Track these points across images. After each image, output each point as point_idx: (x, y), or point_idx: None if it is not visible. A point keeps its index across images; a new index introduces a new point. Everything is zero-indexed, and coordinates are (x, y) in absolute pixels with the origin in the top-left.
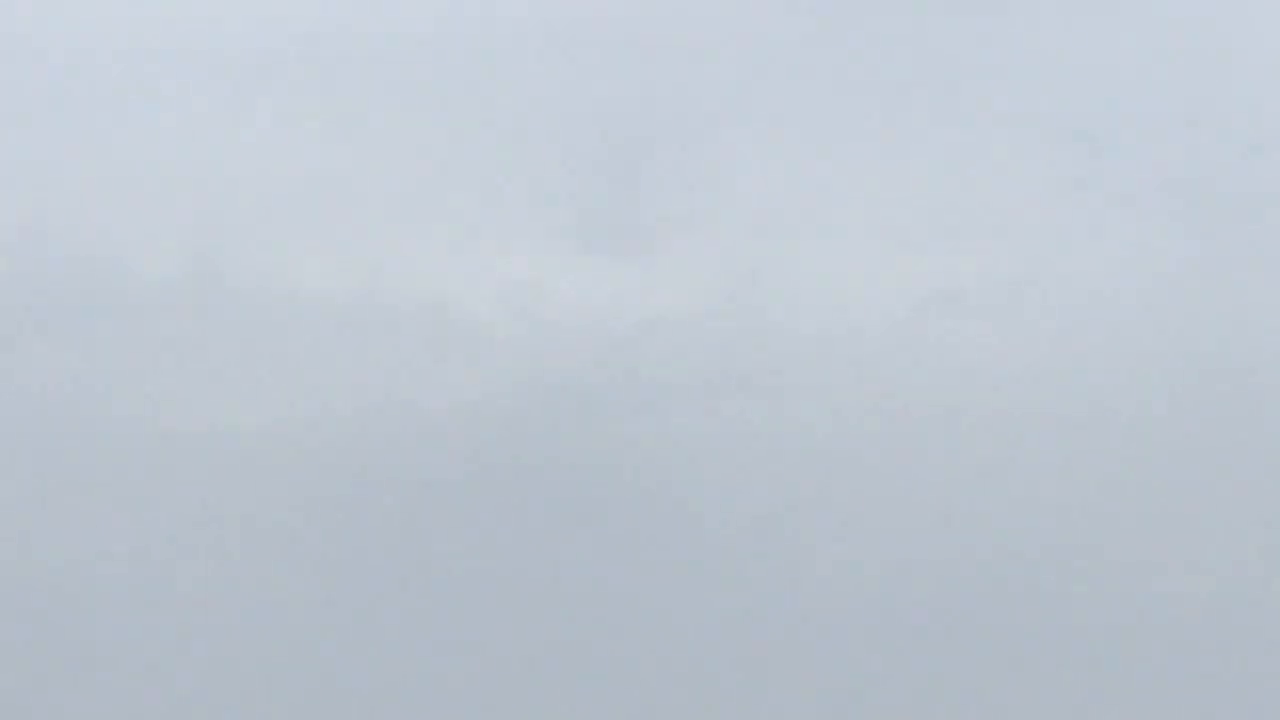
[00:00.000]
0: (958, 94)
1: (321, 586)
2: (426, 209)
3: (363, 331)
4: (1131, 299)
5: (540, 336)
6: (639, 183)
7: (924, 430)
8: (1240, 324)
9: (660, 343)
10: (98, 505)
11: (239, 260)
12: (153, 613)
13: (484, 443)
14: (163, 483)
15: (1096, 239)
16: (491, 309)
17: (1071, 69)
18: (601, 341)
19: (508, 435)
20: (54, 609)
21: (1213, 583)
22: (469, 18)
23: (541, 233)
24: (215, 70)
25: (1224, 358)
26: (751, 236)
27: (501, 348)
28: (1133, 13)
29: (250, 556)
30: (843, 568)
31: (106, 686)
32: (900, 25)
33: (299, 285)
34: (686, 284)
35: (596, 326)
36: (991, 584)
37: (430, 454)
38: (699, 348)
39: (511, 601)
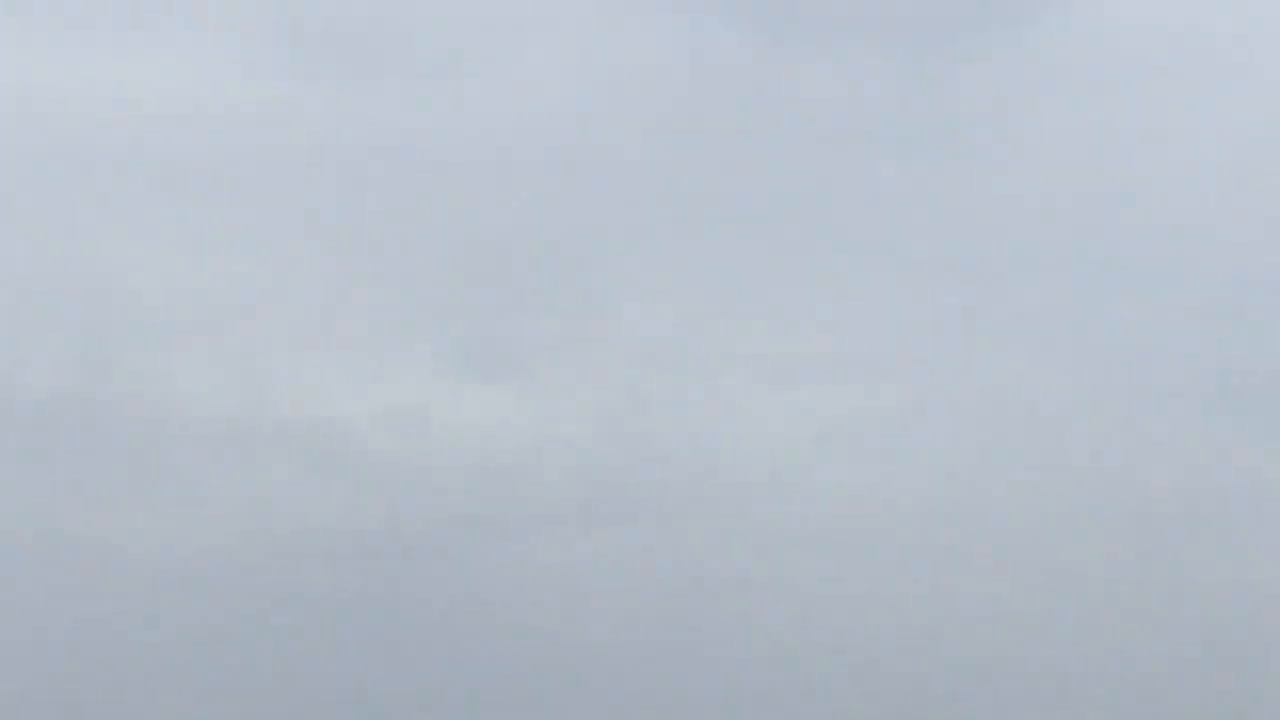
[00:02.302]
0: (844, 228)
1: (196, 703)
2: (315, 330)
3: (247, 450)
4: (1015, 429)
5: (424, 460)
6: (525, 309)
7: (807, 560)
8: (1124, 453)
9: (543, 468)
10: None
11: (124, 374)
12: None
13: (366, 564)
14: (35, 593)
15: (981, 370)
16: (377, 431)
17: (957, 203)
18: (485, 466)
19: (390, 557)
20: None
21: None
22: (359, 139)
23: (428, 357)
24: (111, 180)
25: (1109, 488)
26: (636, 364)
27: (385, 470)
28: (1018, 148)
29: (122, 673)
30: (713, 692)
31: None
32: (788, 159)
33: (184, 401)
34: (570, 410)
35: (480, 450)
36: (870, 702)
37: (311, 574)
38: (582, 474)
39: (391, 715)
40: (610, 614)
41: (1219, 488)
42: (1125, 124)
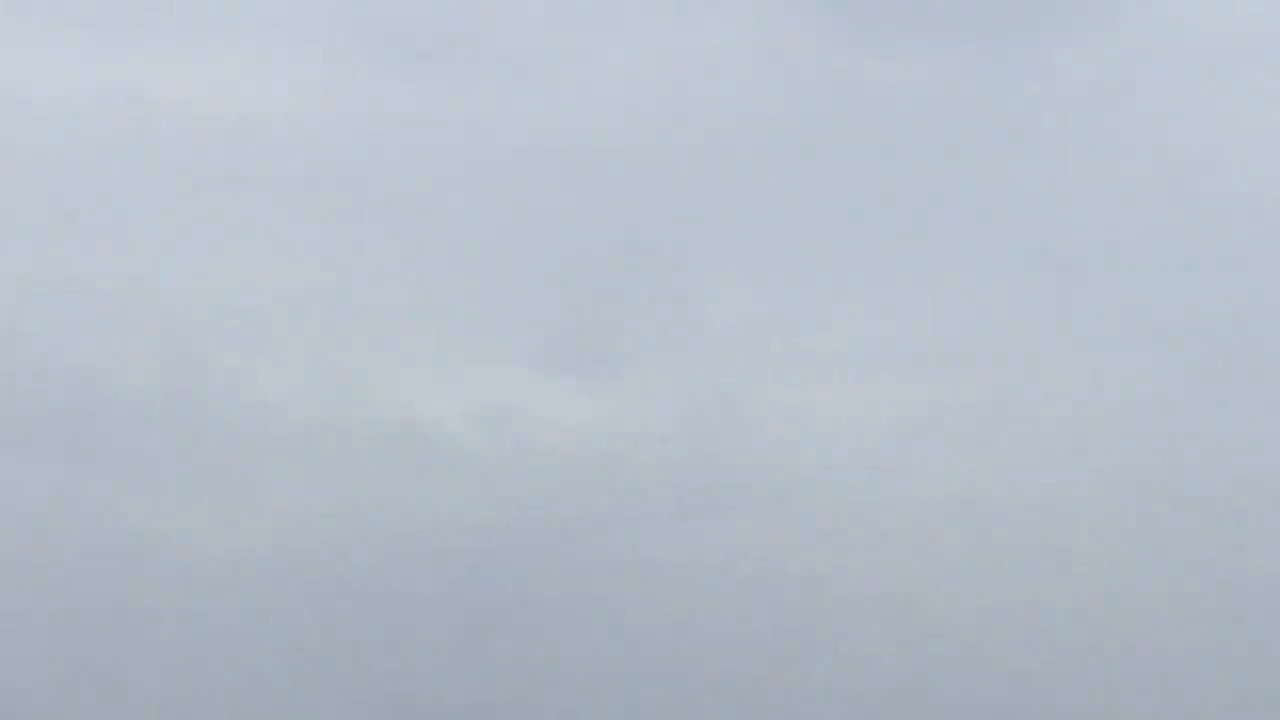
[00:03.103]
0: (930, 221)
1: (278, 697)
2: (404, 331)
3: (339, 452)
4: (1100, 422)
5: (515, 458)
6: (612, 307)
7: (895, 554)
8: (1211, 448)
9: (634, 464)
10: (63, 613)
11: (215, 377)
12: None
13: (456, 563)
14: (131, 597)
15: (1067, 366)
16: (468, 430)
17: (1039, 195)
18: (573, 463)
19: (480, 555)
20: None
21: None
22: (446, 140)
23: (516, 356)
24: (201, 184)
25: (1194, 483)
26: (722, 362)
27: (477, 469)
28: (1101, 139)
29: (219, 673)
30: (811, 689)
31: None
32: (875, 157)
33: (276, 403)
34: (657, 408)
35: (568, 449)
36: (962, 703)
37: (403, 574)
38: (668, 471)
39: (477, 715)
40: (702, 608)
41: None
42: (1209, 113)
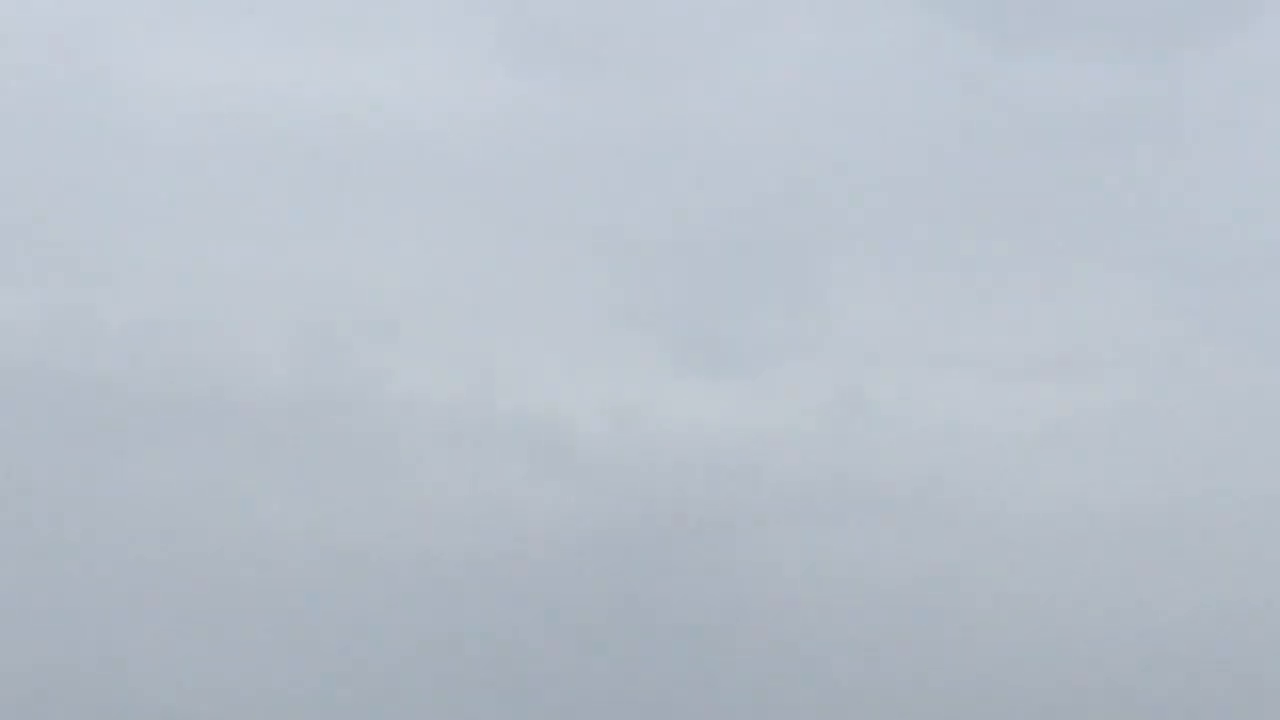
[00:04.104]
0: (1068, 226)
1: (412, 687)
2: (541, 328)
3: (472, 447)
4: (1242, 431)
5: (644, 457)
6: (746, 305)
7: (1023, 560)
8: None
9: (761, 467)
10: (199, 605)
11: (350, 371)
12: (246, 703)
13: (586, 559)
14: (263, 591)
15: (1207, 371)
16: (599, 428)
17: (1183, 200)
18: (703, 464)
19: (609, 553)
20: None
21: None
22: (581, 138)
23: (651, 356)
24: (336, 180)
25: None
26: (854, 364)
27: (606, 467)
28: (1246, 144)
29: (340, 658)
30: (939, 693)
31: None
32: (1012, 157)
33: (410, 398)
34: (788, 410)
35: (699, 449)
36: (1089, 709)
37: (535, 569)
38: (798, 473)
39: (608, 710)
40: (831, 611)
41: None
42: None
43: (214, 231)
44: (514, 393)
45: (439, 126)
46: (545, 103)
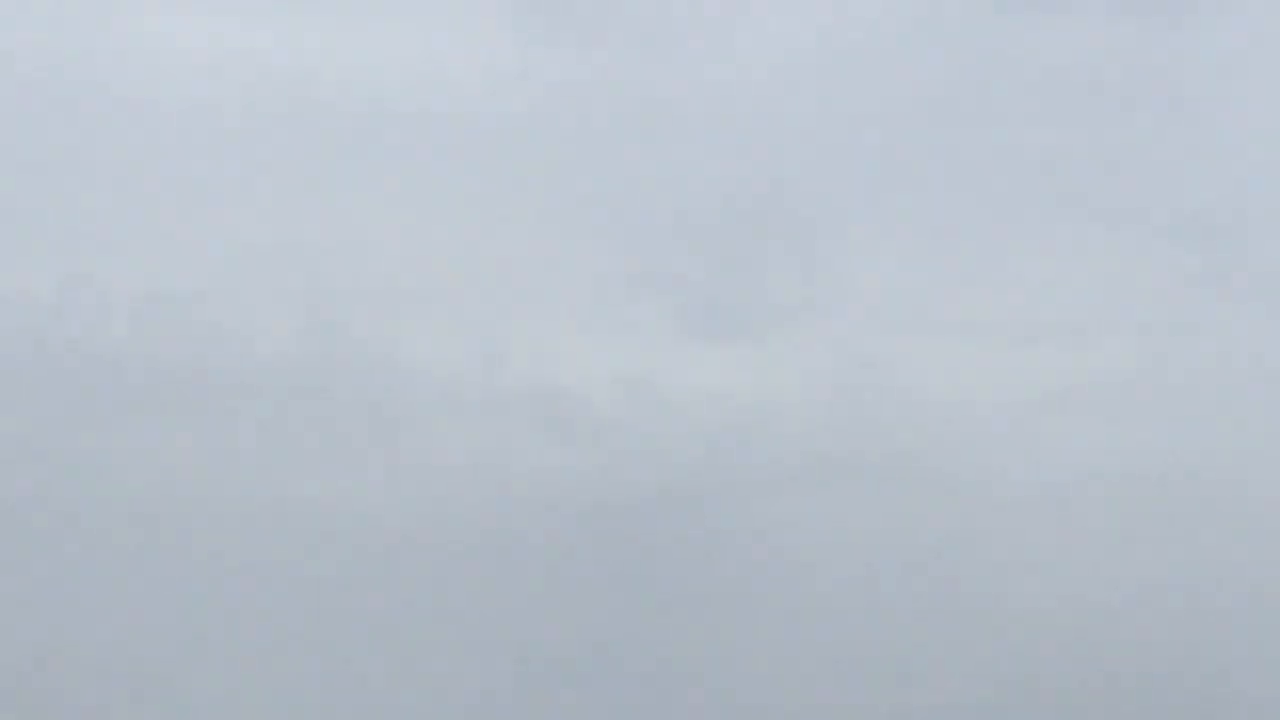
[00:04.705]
0: (1074, 190)
1: (423, 656)
2: (546, 297)
3: (480, 416)
4: (1248, 393)
5: (653, 424)
6: (754, 272)
7: (1034, 523)
8: None
9: (771, 431)
10: (208, 575)
11: (357, 340)
12: (258, 672)
13: (594, 525)
14: (270, 558)
15: (1213, 332)
16: (607, 395)
17: (1189, 164)
18: (713, 429)
19: (618, 519)
20: (164, 671)
21: None
22: (589, 106)
23: (658, 322)
24: (341, 148)
25: None
26: (864, 328)
27: (616, 433)
28: (1259, 110)
29: (351, 628)
30: (949, 654)
31: None
32: (1024, 124)
33: (417, 367)
34: (798, 373)
35: (708, 415)
36: (1098, 670)
37: (543, 536)
38: (810, 435)
39: (617, 676)
40: (842, 574)
41: None
42: None
43: (221, 203)
44: (522, 361)
45: (446, 97)
46: (553, 72)
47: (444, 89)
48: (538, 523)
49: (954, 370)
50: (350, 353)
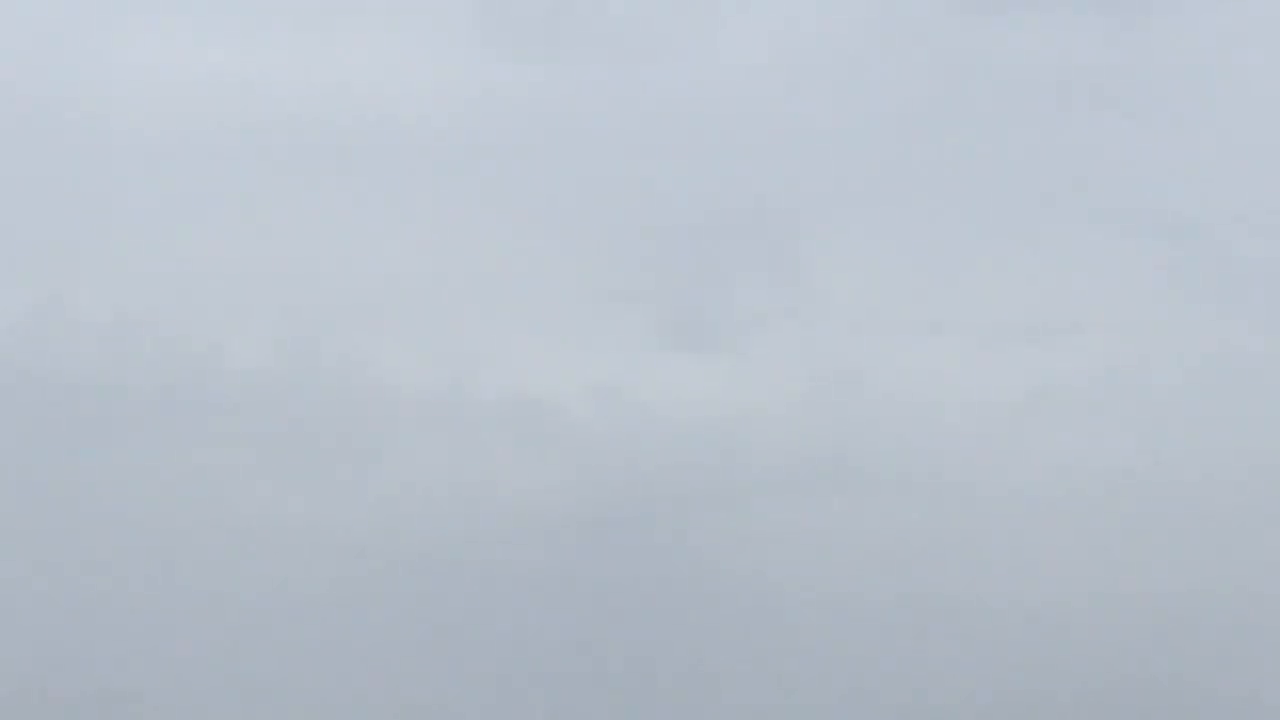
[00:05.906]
0: (1049, 190)
1: (403, 673)
2: (521, 308)
3: (455, 430)
4: (1225, 392)
5: (632, 433)
6: (728, 281)
7: (1013, 526)
8: None
9: (752, 438)
10: (183, 595)
11: (331, 355)
12: (235, 691)
13: (572, 537)
14: (245, 576)
15: (1191, 332)
16: (584, 407)
17: (1163, 162)
18: (689, 439)
19: (595, 529)
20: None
21: None
22: (558, 118)
23: (633, 332)
24: (316, 164)
25: None
26: (840, 335)
27: (594, 445)
28: (1233, 111)
29: (328, 646)
30: (930, 660)
31: None
32: (991, 122)
33: (391, 381)
34: (778, 380)
35: (684, 424)
36: (1084, 671)
37: (520, 549)
38: (791, 443)
39: (598, 687)
40: (819, 581)
41: None
42: None
43: (193, 222)
44: (498, 374)
45: (418, 111)
46: (523, 85)
47: (415, 105)
48: (515, 534)
49: (931, 375)
50: (324, 370)
